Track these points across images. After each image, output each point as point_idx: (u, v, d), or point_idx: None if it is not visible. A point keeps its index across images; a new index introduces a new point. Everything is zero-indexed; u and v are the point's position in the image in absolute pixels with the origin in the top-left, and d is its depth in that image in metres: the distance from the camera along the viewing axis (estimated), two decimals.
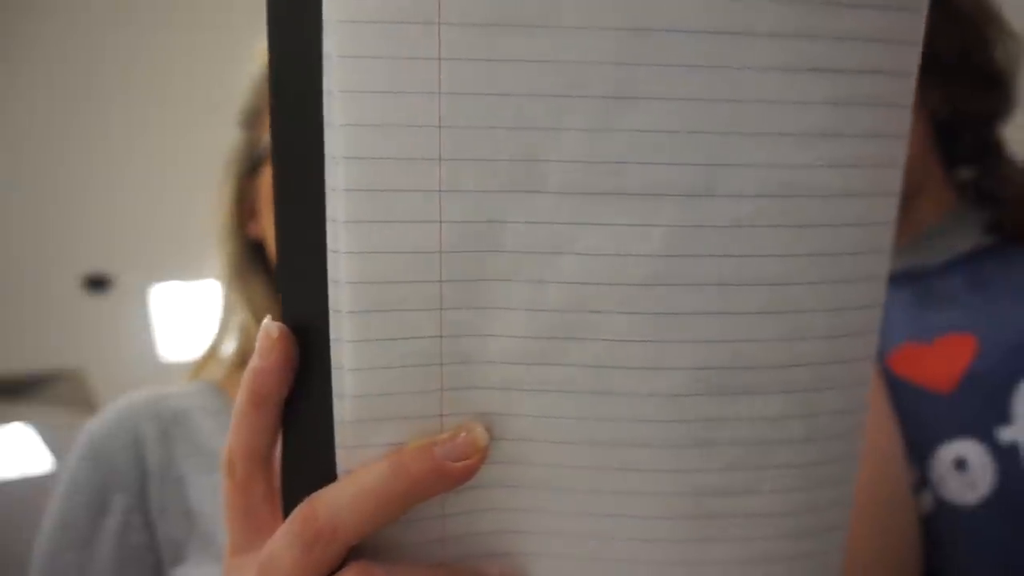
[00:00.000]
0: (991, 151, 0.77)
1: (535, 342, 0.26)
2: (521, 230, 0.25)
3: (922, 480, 0.67)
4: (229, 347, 0.65)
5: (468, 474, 0.26)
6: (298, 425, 0.27)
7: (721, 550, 0.28)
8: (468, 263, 0.25)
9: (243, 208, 0.64)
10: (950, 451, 0.66)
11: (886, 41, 0.25)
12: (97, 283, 2.89)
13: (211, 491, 0.54)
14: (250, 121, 0.64)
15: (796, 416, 0.27)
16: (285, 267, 0.26)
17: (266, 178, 0.61)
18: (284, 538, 0.26)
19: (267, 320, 0.27)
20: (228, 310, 0.64)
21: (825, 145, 0.25)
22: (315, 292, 0.25)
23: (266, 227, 0.62)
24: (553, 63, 0.24)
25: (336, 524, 0.26)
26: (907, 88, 0.26)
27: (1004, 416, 0.65)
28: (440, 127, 0.24)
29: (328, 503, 0.26)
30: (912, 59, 0.26)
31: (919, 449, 0.67)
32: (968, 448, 0.66)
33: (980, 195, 0.75)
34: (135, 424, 0.57)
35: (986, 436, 0.65)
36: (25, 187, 2.59)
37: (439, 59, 0.24)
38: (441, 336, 0.26)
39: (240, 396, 0.27)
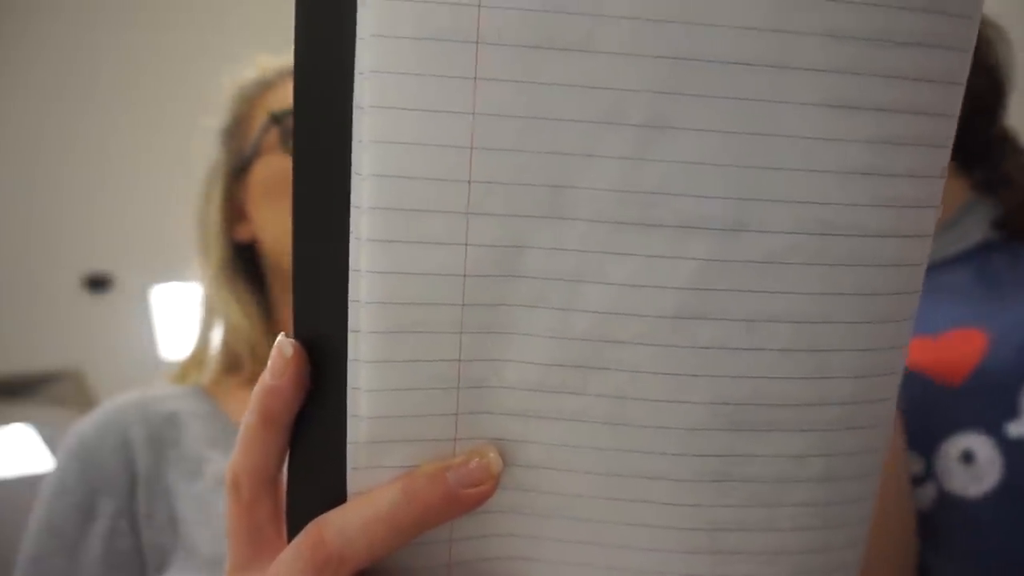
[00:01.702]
0: (997, 145, 0.77)
1: (555, 370, 0.25)
2: (547, 257, 0.24)
3: (926, 471, 0.67)
4: (213, 351, 0.64)
5: (480, 500, 0.26)
6: (308, 445, 0.27)
7: None
8: (492, 287, 0.25)
9: (230, 212, 0.64)
10: (957, 444, 0.66)
11: (930, 81, 0.24)
12: (97, 283, 2.89)
13: (195, 499, 0.53)
14: (231, 134, 0.65)
15: (817, 455, 0.27)
16: (303, 284, 0.25)
17: (255, 179, 0.61)
18: (292, 562, 0.25)
19: (281, 337, 0.26)
20: (210, 314, 0.64)
21: (864, 184, 0.24)
22: (333, 311, 0.25)
23: (260, 226, 0.62)
24: (591, 89, 0.23)
25: (345, 549, 0.25)
26: (948, 129, 0.25)
27: (1013, 411, 0.66)
28: (472, 148, 0.23)
29: (338, 527, 0.25)
30: (955, 100, 0.25)
31: (925, 440, 0.67)
32: (976, 441, 0.66)
33: (989, 189, 0.75)
34: (124, 427, 0.56)
35: (994, 430, 0.66)
36: (25, 187, 2.59)
37: (475, 79, 0.23)
38: (459, 360, 0.25)
39: (250, 415, 0.27)
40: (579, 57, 0.23)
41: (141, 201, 2.58)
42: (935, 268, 0.73)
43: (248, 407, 0.27)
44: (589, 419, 0.26)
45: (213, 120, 0.66)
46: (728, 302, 0.25)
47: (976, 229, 0.74)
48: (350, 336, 0.25)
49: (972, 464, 0.66)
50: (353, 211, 0.24)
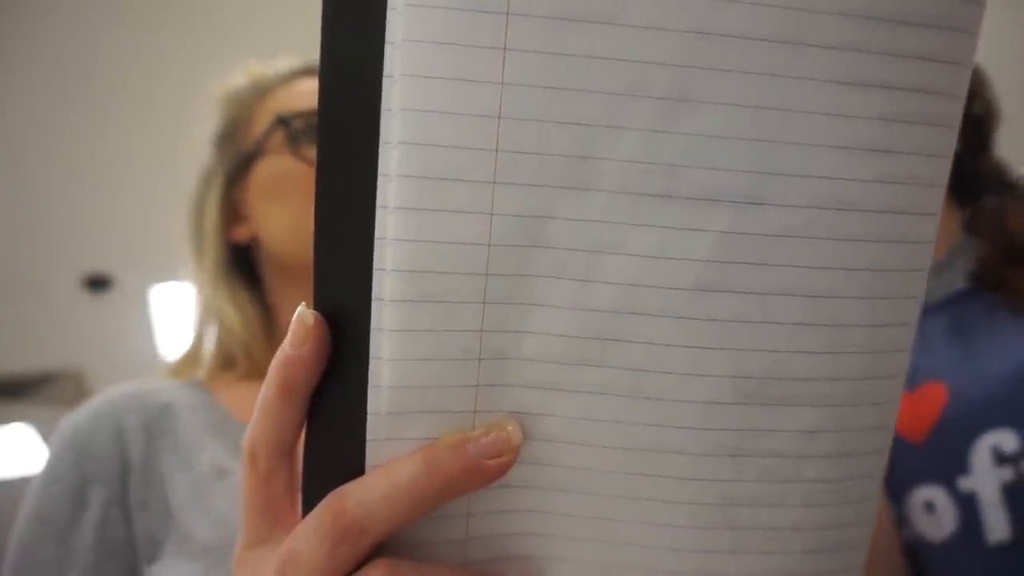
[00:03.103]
0: (988, 180, 0.81)
1: (575, 342, 0.26)
2: (571, 227, 0.25)
3: (899, 517, 0.75)
4: (208, 350, 0.65)
5: (501, 472, 0.26)
6: (326, 416, 0.27)
7: (745, 562, 0.28)
8: (515, 257, 0.25)
9: (226, 214, 0.65)
10: (920, 495, 0.74)
11: (940, 61, 0.25)
12: (97, 283, 2.89)
13: (190, 489, 0.52)
14: (226, 137, 0.66)
15: (830, 431, 0.27)
16: (325, 254, 0.25)
17: (256, 180, 0.63)
18: (311, 533, 0.25)
19: (302, 307, 0.26)
20: (206, 314, 0.64)
21: (877, 160, 0.25)
22: (357, 279, 0.25)
23: (262, 225, 0.63)
24: (617, 61, 0.24)
25: (366, 520, 0.25)
26: (956, 109, 0.26)
27: (963, 467, 0.72)
28: (500, 118, 0.24)
29: (358, 498, 0.25)
30: (963, 80, 0.26)
31: (895, 491, 0.75)
32: (934, 493, 0.73)
33: (974, 233, 0.79)
34: (118, 416, 0.56)
35: (949, 484, 0.73)
36: (25, 187, 2.59)
37: (504, 49, 0.23)
38: (482, 331, 0.25)
39: (268, 386, 0.27)
40: (605, 29, 0.24)
41: (141, 201, 2.58)
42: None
43: (266, 380, 0.27)
44: (608, 392, 0.26)
45: (204, 124, 0.67)
46: (745, 275, 0.25)
47: (959, 276, 0.78)
48: (374, 305, 0.25)
49: (933, 513, 0.73)
50: (381, 179, 0.24)
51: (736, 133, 0.24)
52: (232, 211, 0.65)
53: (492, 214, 0.24)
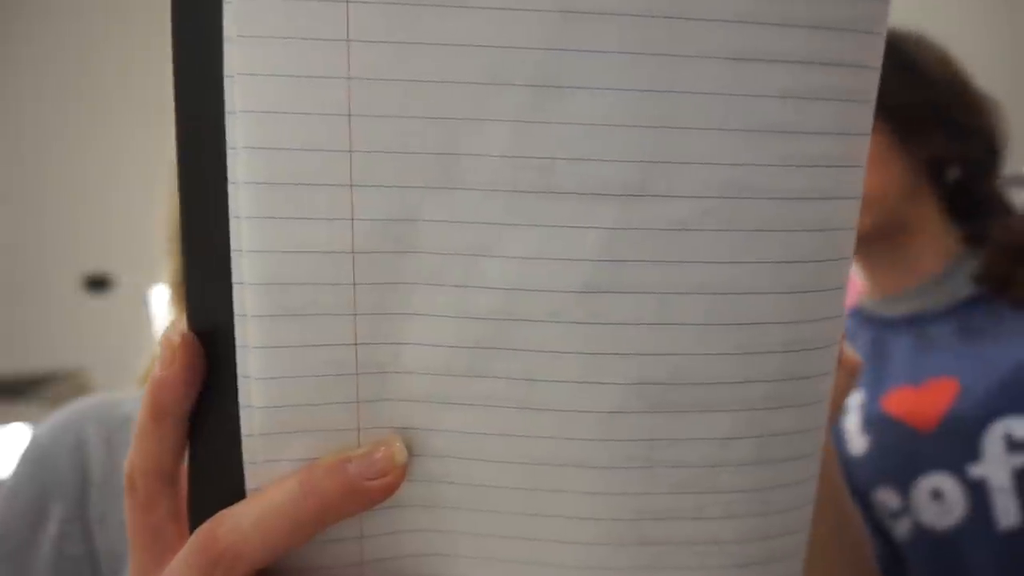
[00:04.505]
0: (987, 203, 0.84)
1: (458, 352, 0.24)
2: (441, 230, 0.23)
3: (902, 507, 0.77)
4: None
5: (386, 493, 0.24)
6: (205, 439, 0.25)
7: None
8: (384, 265, 0.23)
9: None
10: (927, 482, 0.76)
11: (844, 29, 0.23)
12: (97, 283, 2.89)
13: None
14: None
15: (746, 436, 0.25)
16: (189, 268, 0.24)
17: None
18: (183, 562, 0.24)
19: (168, 326, 0.25)
20: (178, 315, 0.64)
21: (776, 142, 0.23)
22: (220, 294, 0.23)
23: None
24: (473, 47, 0.22)
25: (241, 546, 0.24)
26: (868, 83, 0.24)
27: (974, 453, 0.75)
28: (350, 115, 0.22)
29: (231, 524, 0.24)
30: (874, 50, 0.24)
31: (903, 479, 0.77)
32: (942, 480, 0.75)
33: (979, 243, 0.83)
34: (80, 428, 0.54)
35: (958, 470, 0.75)
36: (25, 187, 2.59)
37: (348, 40, 0.22)
38: (356, 344, 0.24)
39: (141, 409, 0.25)
40: (457, 13, 0.22)
41: (141, 201, 2.58)
42: (924, 320, 0.82)
43: (141, 403, 0.25)
44: (498, 404, 0.24)
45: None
46: (639, 274, 0.23)
47: (964, 284, 0.81)
48: (237, 321, 0.23)
49: (941, 500, 0.75)
50: (230, 187, 0.23)
51: (616, 120, 0.22)
52: None
53: (353, 219, 0.23)
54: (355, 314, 0.23)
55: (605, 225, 0.23)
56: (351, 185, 0.23)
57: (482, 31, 0.22)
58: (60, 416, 0.56)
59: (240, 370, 0.24)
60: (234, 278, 0.23)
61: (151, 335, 2.98)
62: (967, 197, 0.83)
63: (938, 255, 0.83)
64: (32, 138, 2.51)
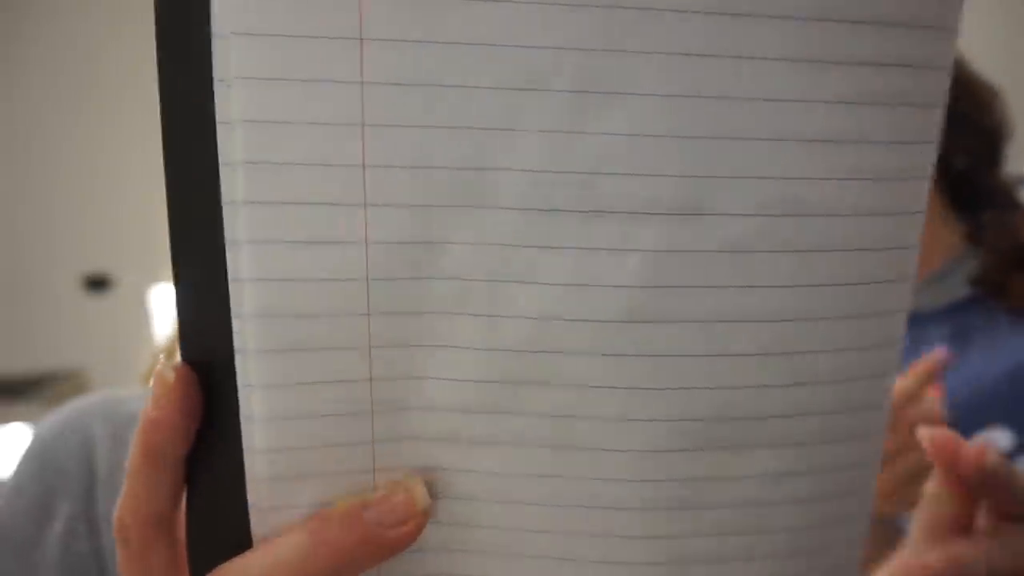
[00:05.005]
0: (992, 195, 0.83)
1: (486, 387, 0.22)
2: (467, 253, 0.21)
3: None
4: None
5: (407, 541, 0.22)
6: (205, 483, 0.23)
7: None
8: (402, 292, 0.21)
9: None
10: None
11: (914, 26, 0.21)
12: (97, 283, 2.89)
13: None
14: None
15: (797, 473, 0.23)
16: (181, 297, 0.22)
17: None
18: None
19: (161, 362, 0.22)
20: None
21: (841, 153, 0.21)
22: (218, 326, 0.21)
23: None
24: (507, 47, 0.19)
25: None
26: (940, 84, 0.22)
27: None
28: (363, 124, 0.20)
29: None
30: (946, 48, 0.21)
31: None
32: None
33: (978, 244, 0.81)
34: (86, 426, 0.53)
35: None
36: (25, 187, 2.59)
37: (360, 39, 0.19)
38: (371, 379, 0.21)
39: (132, 450, 0.23)
40: (489, 8, 0.19)
41: (141, 201, 2.58)
42: (920, 320, 0.80)
43: (132, 444, 0.23)
44: (529, 443, 0.22)
45: None
46: (686, 301, 0.21)
47: (961, 285, 0.79)
48: (237, 356, 0.21)
49: None
50: (226, 207, 0.20)
51: (663, 129, 0.20)
52: None
53: (367, 242, 0.20)
54: (370, 346, 0.21)
55: (650, 247, 0.21)
56: (364, 204, 0.20)
57: (516, 26, 0.19)
58: (64, 413, 0.56)
59: (243, 410, 0.21)
60: (233, 309, 0.21)
61: (151, 335, 2.98)
62: (971, 188, 0.81)
63: (937, 252, 0.82)
64: (32, 138, 2.51)
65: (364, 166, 0.20)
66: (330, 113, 0.19)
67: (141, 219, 2.58)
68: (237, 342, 0.21)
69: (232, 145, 0.20)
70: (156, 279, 2.86)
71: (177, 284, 0.22)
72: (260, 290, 0.20)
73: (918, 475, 0.52)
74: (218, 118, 0.20)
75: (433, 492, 0.23)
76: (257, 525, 0.22)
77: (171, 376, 0.22)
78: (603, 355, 0.22)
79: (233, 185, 0.20)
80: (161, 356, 0.64)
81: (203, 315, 0.22)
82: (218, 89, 0.19)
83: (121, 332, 2.97)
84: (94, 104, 2.45)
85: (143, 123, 2.49)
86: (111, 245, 2.77)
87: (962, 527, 0.31)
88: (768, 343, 0.22)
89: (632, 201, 0.21)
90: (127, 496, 0.24)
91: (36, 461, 0.53)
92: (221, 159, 0.20)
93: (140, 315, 2.97)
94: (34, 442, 0.54)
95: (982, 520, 0.31)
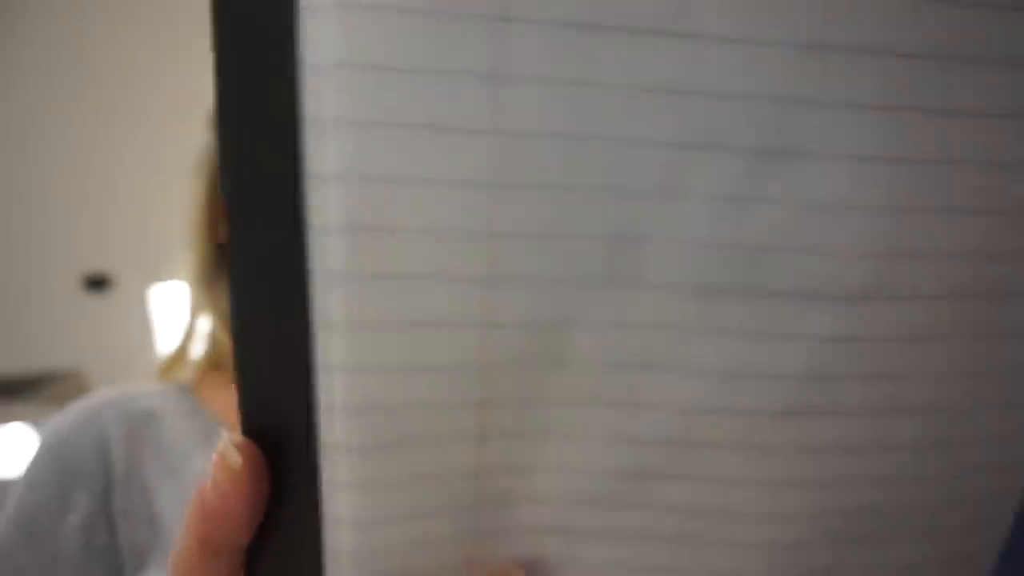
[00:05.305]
0: None
1: (612, 480, 0.19)
2: (604, 336, 0.18)
3: None
4: (198, 349, 0.65)
5: None
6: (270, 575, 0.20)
7: None
8: (524, 379, 0.18)
9: (214, 210, 0.63)
10: None
11: None
12: (97, 283, 2.89)
13: (176, 496, 0.52)
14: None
15: (934, 562, 0.21)
16: (250, 366, 0.18)
17: None
18: None
19: (225, 440, 0.19)
20: (196, 312, 0.64)
21: None
22: (298, 411, 0.18)
23: None
24: (674, 93, 0.16)
25: None
26: None
27: None
28: (490, 183, 0.16)
29: None
30: None
31: None
32: None
33: None
34: (101, 422, 0.54)
35: None
36: (25, 187, 2.59)
37: (497, 75, 0.15)
38: (477, 475, 0.19)
39: (187, 538, 0.20)
40: (660, 43, 0.15)
41: (141, 201, 2.58)
42: None
43: (183, 525, 0.20)
44: (656, 536, 0.20)
45: (204, 123, 0.66)
46: (852, 393, 0.18)
47: None
48: (323, 452, 0.18)
49: None
50: (317, 279, 0.17)
51: (853, 198, 0.17)
52: (222, 211, 0.64)
53: (487, 324, 0.17)
54: (479, 438, 0.18)
55: (819, 334, 0.18)
56: (488, 278, 0.17)
57: (690, 69, 0.16)
58: (79, 409, 0.56)
59: (327, 511, 0.18)
60: (322, 403, 0.18)
61: (150, 335, 2.98)
62: None
63: None
64: (32, 138, 2.51)
65: (489, 233, 0.16)
66: (451, 166, 0.16)
67: (141, 219, 2.58)
68: (324, 435, 0.18)
69: (326, 202, 0.16)
70: (156, 279, 2.87)
71: (240, 366, 0.18)
72: (355, 380, 0.17)
73: None
74: (309, 169, 0.16)
75: None
76: None
77: (237, 460, 0.19)
78: (752, 448, 0.19)
79: (327, 253, 0.16)
80: (168, 358, 0.64)
81: (274, 393, 0.18)
82: (310, 135, 0.16)
83: (120, 332, 2.97)
84: (94, 105, 2.46)
85: (143, 124, 2.49)
86: (110, 245, 2.77)
87: None
88: (933, 432, 0.20)
89: (805, 281, 0.17)
90: None
91: (52, 456, 0.54)
92: (310, 216, 0.16)
93: (139, 315, 2.97)
94: (49, 438, 0.55)
95: None
